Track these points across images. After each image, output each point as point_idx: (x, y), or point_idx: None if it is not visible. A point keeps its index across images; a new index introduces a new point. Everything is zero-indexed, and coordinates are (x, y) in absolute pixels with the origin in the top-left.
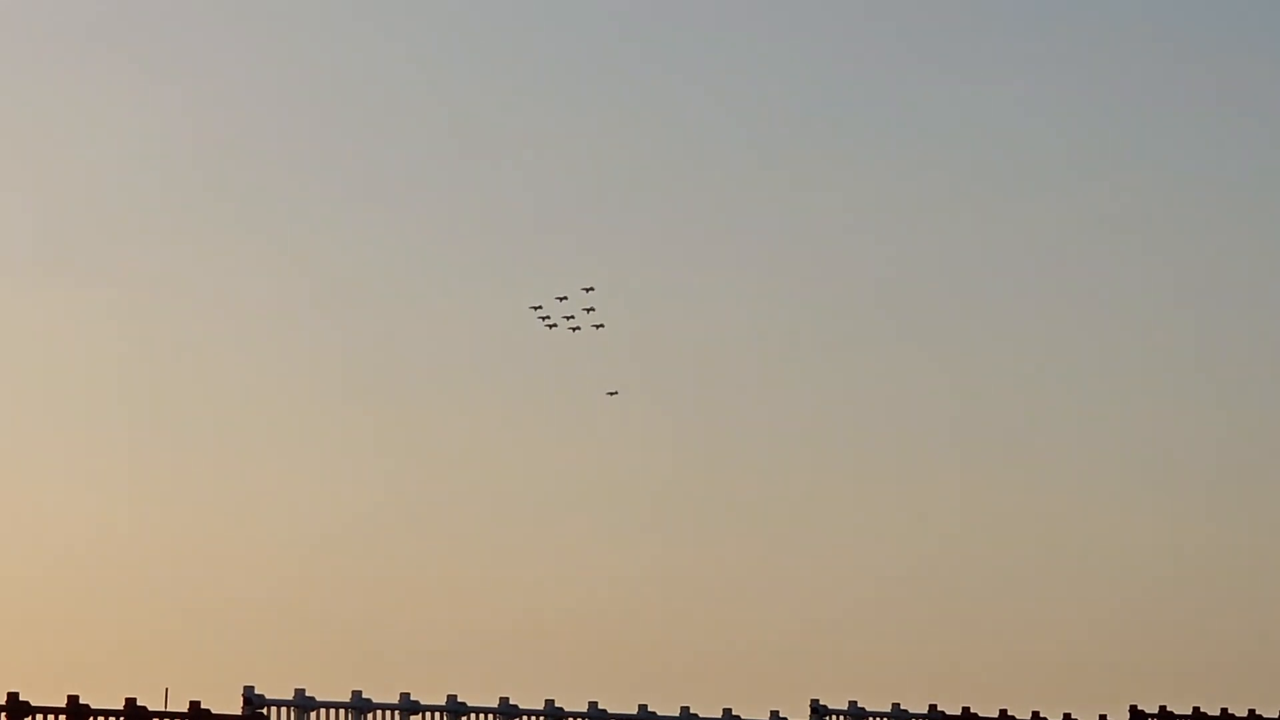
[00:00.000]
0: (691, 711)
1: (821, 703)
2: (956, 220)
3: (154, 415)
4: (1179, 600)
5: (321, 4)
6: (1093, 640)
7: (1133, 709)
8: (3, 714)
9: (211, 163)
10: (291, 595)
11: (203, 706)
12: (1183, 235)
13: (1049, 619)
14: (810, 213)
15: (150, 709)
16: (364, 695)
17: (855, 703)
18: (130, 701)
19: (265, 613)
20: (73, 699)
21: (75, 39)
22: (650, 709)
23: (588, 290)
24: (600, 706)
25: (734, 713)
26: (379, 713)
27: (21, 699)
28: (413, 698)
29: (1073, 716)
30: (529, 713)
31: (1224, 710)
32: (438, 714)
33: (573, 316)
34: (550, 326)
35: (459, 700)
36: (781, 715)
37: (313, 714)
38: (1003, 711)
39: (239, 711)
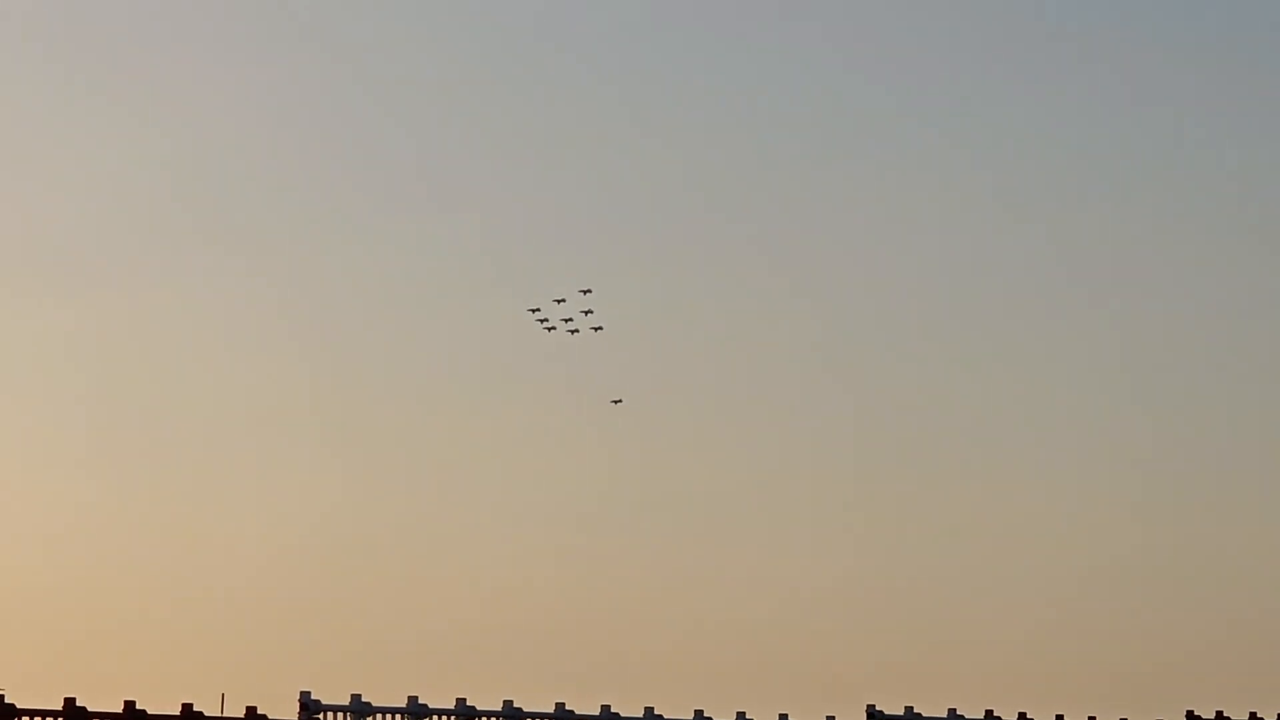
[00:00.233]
0: (748, 717)
1: (878, 708)
2: (957, 226)
3: (187, 423)
4: (1238, 606)
5: (318, 9)
6: (1148, 646)
7: (1189, 714)
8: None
9: (204, 169)
10: (348, 601)
11: (259, 712)
12: (1185, 235)
13: (1106, 626)
14: (808, 216)
15: (207, 714)
16: (420, 700)
17: (911, 708)
18: (187, 707)
19: (322, 618)
20: (129, 704)
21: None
22: (706, 714)
23: (585, 293)
24: (657, 712)
25: (790, 718)
26: (435, 718)
27: (79, 704)
28: (468, 703)
29: None
30: (584, 718)
31: None
32: (491, 719)
33: (571, 319)
34: (549, 329)
35: (515, 706)
36: None
37: (368, 719)
38: (1059, 717)
39: (295, 717)
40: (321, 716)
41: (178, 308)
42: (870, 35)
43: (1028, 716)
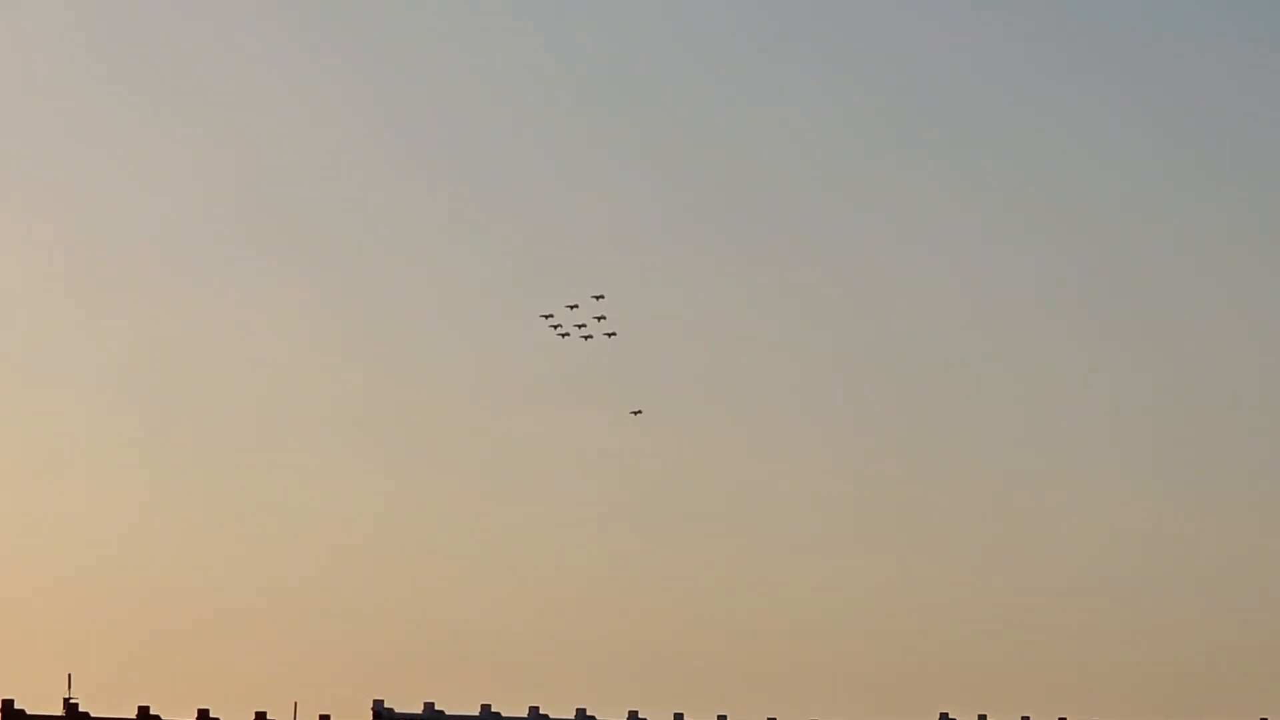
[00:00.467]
0: None
1: (951, 716)
2: (965, 240)
3: (261, 436)
4: None
5: (331, 17)
6: (1226, 650)
7: None
8: None
9: (237, 189)
10: (421, 609)
11: None
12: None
13: (1184, 631)
14: (821, 219)
15: None
16: (493, 709)
17: (984, 717)
18: (260, 715)
19: (395, 626)
20: (202, 712)
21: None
22: None
23: (598, 298)
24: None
25: None
26: None
27: (152, 712)
28: (541, 710)
29: None
30: None
31: None
32: None
33: (584, 325)
34: (563, 336)
35: (587, 713)
36: None
37: None
38: None
39: None
40: None
41: (229, 322)
42: (870, 41)
43: None
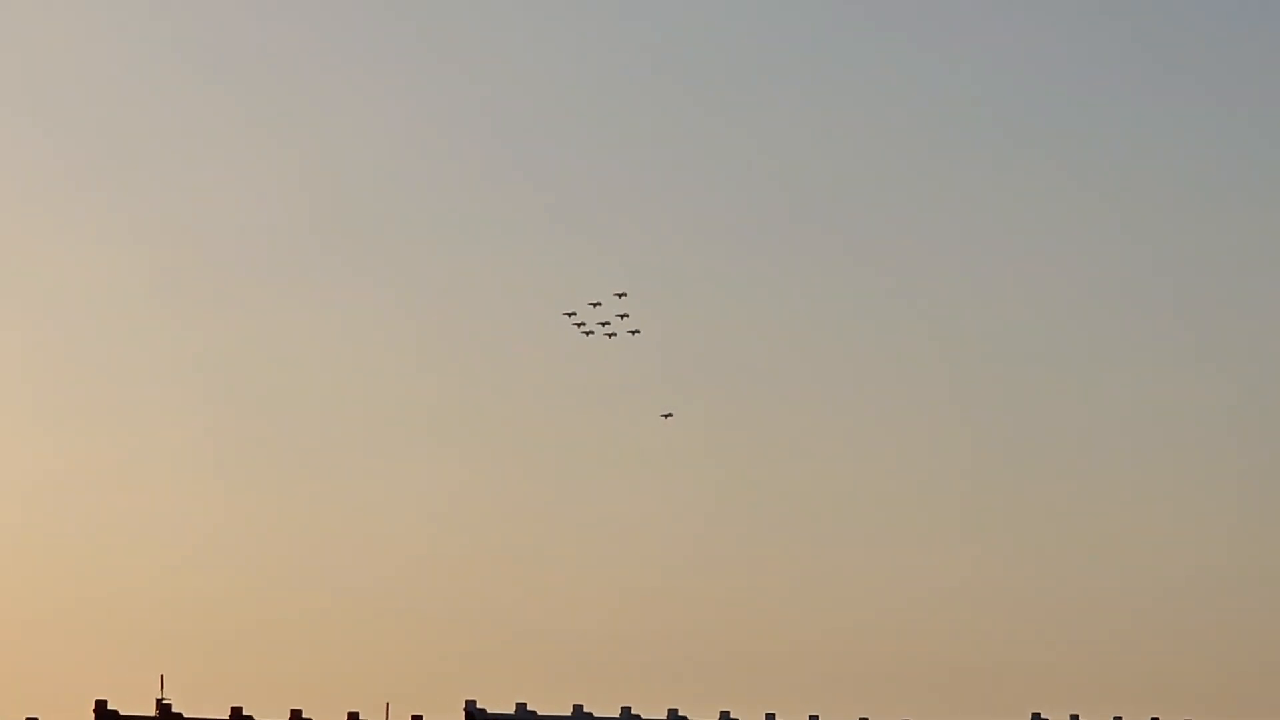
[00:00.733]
0: None
1: (1043, 716)
2: (992, 236)
3: (352, 439)
4: None
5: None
6: None
7: None
8: None
9: (336, 199)
10: (513, 610)
11: None
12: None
13: (1267, 631)
14: (846, 215)
15: None
16: (585, 709)
17: (1077, 717)
18: (353, 716)
19: (487, 627)
20: (295, 713)
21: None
22: (866, 719)
23: (620, 296)
24: (821, 719)
25: None
26: None
27: (245, 713)
28: (634, 711)
29: None
30: None
31: None
32: None
33: (608, 323)
34: (586, 334)
35: (679, 714)
36: None
37: None
38: None
39: None
40: None
41: (317, 333)
42: (880, 43)
43: None
